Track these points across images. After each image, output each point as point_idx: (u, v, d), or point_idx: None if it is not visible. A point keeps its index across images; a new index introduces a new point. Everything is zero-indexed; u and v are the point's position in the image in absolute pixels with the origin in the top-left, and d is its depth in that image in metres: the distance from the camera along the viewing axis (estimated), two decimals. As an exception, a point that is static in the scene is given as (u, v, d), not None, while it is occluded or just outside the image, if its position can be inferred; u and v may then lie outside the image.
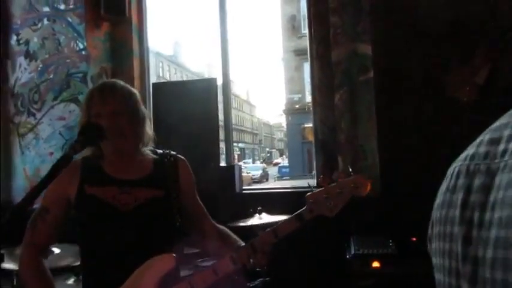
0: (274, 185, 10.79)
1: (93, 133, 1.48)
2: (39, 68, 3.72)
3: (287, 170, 27.20)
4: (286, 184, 8.76)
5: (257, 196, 3.89)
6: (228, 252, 1.49)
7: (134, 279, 1.41)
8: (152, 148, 1.73)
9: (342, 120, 3.38)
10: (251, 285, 2.58)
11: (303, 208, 1.54)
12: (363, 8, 3.35)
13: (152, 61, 35.62)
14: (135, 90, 1.69)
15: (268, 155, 69.70)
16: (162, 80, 40.96)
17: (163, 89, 4.21)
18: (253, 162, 51.51)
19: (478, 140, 0.61)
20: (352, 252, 2.92)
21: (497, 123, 0.60)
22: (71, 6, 3.66)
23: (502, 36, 3.35)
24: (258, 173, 29.97)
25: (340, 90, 3.40)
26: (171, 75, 42.78)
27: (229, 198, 3.73)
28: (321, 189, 1.53)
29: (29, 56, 3.73)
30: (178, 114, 4.10)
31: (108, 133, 1.52)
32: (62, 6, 3.69)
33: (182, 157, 1.74)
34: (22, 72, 3.74)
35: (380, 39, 3.38)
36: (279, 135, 69.04)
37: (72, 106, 3.65)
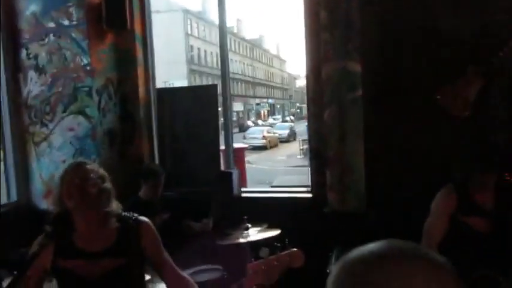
0: (277, 181, 10.93)
1: (62, 225, 1.72)
2: (48, 82, 3.95)
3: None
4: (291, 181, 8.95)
5: (254, 200, 4.11)
6: None
7: None
8: (117, 215, 1.95)
9: (331, 136, 3.50)
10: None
11: (244, 278, 1.77)
12: (353, 26, 3.36)
13: (180, 18, 34.87)
14: (103, 170, 1.91)
15: (299, 110, 69.37)
16: (191, 37, 40.97)
17: (166, 94, 4.39)
18: (283, 118, 51.54)
19: None
20: (333, 265, 3.14)
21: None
22: (74, 23, 3.83)
23: (494, 54, 3.30)
24: (285, 133, 30.14)
25: (330, 106, 3.49)
26: (200, 32, 42.53)
27: (227, 202, 3.97)
28: (261, 260, 1.74)
29: (39, 69, 3.95)
30: (181, 119, 4.32)
31: (79, 205, 1.77)
32: (66, 22, 3.85)
33: (145, 219, 1.96)
34: (33, 85, 3.99)
35: (370, 57, 3.40)
36: (310, 89, 67.78)
37: (80, 118, 3.91)
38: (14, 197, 4.05)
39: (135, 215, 1.97)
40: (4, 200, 4.12)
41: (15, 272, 1.77)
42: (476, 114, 3.33)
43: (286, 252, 1.74)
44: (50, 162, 4.05)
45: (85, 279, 1.79)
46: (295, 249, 1.75)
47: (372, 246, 0.75)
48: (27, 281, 1.82)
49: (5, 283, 1.71)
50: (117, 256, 1.84)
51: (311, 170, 4.00)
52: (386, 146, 3.44)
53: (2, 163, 3.91)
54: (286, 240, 1.82)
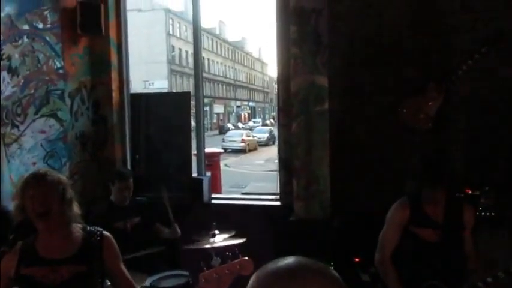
0: (249, 188, 11.06)
1: (25, 230, 1.77)
2: (20, 83, 3.96)
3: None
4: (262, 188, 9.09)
5: (224, 207, 4.18)
6: None
7: None
8: (82, 225, 2.02)
9: (298, 147, 3.60)
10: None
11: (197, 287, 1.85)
12: (322, 41, 3.48)
13: (162, 18, 34.49)
14: (64, 178, 1.97)
15: (279, 113, 69.42)
16: (173, 37, 40.74)
17: (140, 99, 4.44)
18: (263, 121, 51.70)
19: None
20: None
21: None
22: (48, 26, 3.84)
23: (456, 70, 3.46)
24: (264, 136, 30.27)
25: (298, 118, 3.60)
26: (182, 32, 42.32)
27: (197, 208, 4.04)
28: (212, 269, 1.83)
29: (11, 71, 3.96)
30: (154, 124, 4.37)
31: (39, 214, 1.82)
32: (40, 25, 3.87)
33: (107, 234, 2.03)
34: (6, 86, 3.99)
35: (337, 71, 3.53)
36: (291, 93, 68.16)
37: (52, 121, 3.92)
38: (-18, 198, 4.04)
39: (100, 229, 2.04)
40: (-28, 201, 4.10)
41: None
42: (436, 129, 3.50)
43: (236, 260, 1.83)
44: (20, 164, 4.05)
45: (46, 286, 1.84)
46: (245, 258, 1.84)
47: (284, 262, 0.86)
48: None
49: None
50: (78, 263, 1.90)
51: (280, 179, 4.10)
52: (350, 157, 3.58)
53: (-29, 163, 3.90)
54: (237, 249, 1.91)
